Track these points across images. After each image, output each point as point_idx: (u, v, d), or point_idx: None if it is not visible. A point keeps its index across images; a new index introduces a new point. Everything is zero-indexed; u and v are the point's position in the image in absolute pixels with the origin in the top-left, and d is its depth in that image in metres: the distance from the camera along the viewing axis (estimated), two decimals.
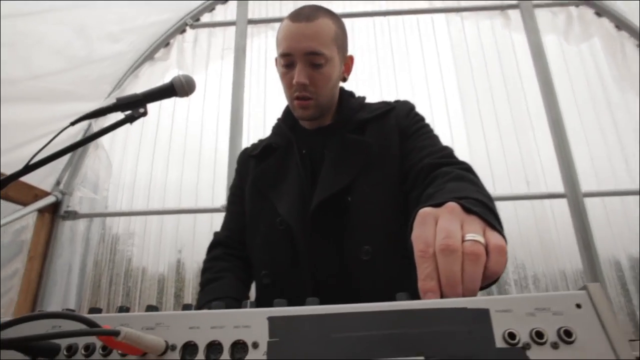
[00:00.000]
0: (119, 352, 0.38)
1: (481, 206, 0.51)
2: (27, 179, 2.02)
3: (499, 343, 0.33)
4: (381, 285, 0.83)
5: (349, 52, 1.04)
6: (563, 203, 2.09)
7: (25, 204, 2.03)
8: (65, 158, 2.29)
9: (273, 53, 2.68)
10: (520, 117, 2.27)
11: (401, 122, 0.97)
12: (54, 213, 2.24)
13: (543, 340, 0.33)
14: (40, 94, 1.86)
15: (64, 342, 0.40)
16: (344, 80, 1.04)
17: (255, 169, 1.04)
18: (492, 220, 0.48)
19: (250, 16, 2.49)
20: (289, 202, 0.93)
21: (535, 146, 2.21)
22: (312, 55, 0.90)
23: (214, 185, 2.24)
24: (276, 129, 1.10)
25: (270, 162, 1.02)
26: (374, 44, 2.47)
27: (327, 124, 1.01)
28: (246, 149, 1.15)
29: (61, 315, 0.33)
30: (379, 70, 2.41)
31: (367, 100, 1.07)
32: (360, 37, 2.49)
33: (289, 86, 0.96)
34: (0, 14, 1.52)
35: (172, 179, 2.31)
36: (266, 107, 2.38)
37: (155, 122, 2.41)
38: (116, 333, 0.32)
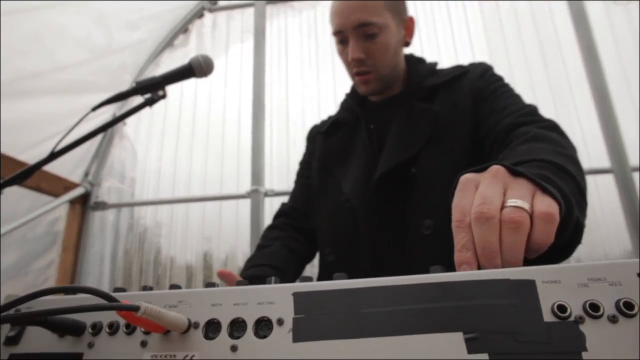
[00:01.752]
0: (143, 330, 0.37)
1: (541, 168, 0.46)
2: (57, 170, 2.08)
3: (547, 317, 0.30)
4: (443, 261, 0.80)
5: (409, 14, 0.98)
6: (609, 179, 1.94)
7: (56, 195, 2.09)
8: (92, 150, 2.34)
9: (293, 33, 2.63)
10: (559, 86, 2.12)
11: (475, 84, 0.91)
12: (84, 204, 2.31)
13: (599, 314, 0.29)
14: (64, 86, 1.90)
15: (89, 320, 0.39)
16: (407, 44, 0.99)
17: (321, 146, 1.03)
18: (548, 183, 0.42)
19: None
20: (353, 179, 0.91)
21: (576, 117, 2.06)
22: (362, 27, 0.87)
23: (238, 172, 2.24)
24: (344, 104, 1.08)
25: (336, 138, 1.01)
26: None
27: (396, 94, 0.97)
28: (315, 126, 1.14)
29: (79, 289, 0.32)
30: None
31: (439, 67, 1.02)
32: None
33: (347, 63, 0.94)
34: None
35: (197, 167, 2.33)
36: (288, 89, 2.34)
37: (178, 110, 2.42)
38: (136, 308, 0.31)
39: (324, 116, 1.17)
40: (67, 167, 2.16)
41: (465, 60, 2.21)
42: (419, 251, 0.81)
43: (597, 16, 2.16)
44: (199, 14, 2.53)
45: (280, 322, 0.34)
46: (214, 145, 2.34)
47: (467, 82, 0.92)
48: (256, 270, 0.87)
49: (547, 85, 2.14)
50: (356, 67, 0.91)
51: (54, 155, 0.92)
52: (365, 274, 0.38)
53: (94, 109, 0.98)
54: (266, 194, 2.11)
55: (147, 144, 2.44)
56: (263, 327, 0.34)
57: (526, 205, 0.38)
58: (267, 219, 2.03)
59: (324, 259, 0.95)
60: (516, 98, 0.88)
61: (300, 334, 0.33)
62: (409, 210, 0.83)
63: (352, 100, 1.03)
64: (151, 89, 0.96)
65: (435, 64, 1.02)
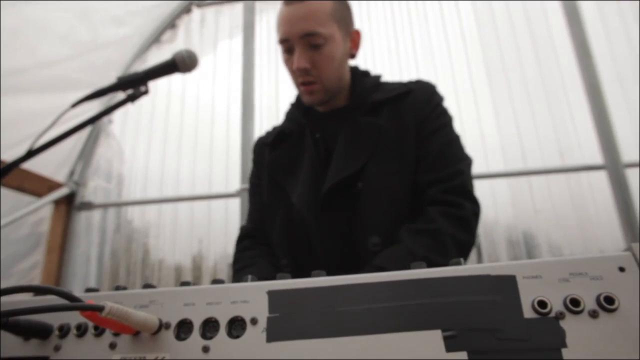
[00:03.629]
0: (112, 332, 0.35)
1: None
2: (40, 170, 2.03)
3: (528, 313, 0.29)
4: None
5: (355, 27, 0.98)
6: (602, 175, 1.94)
7: (40, 195, 2.05)
8: (77, 149, 2.30)
9: None
10: (552, 83, 2.13)
11: (420, 110, 0.91)
12: (69, 204, 2.26)
13: (579, 309, 0.29)
14: (47, 83, 1.85)
15: (56, 322, 0.38)
16: (352, 57, 0.98)
17: (269, 157, 1.01)
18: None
19: None
20: (302, 190, 0.90)
21: (569, 114, 2.06)
22: (308, 36, 0.86)
23: (227, 170, 2.22)
24: (289, 114, 1.06)
25: (283, 149, 0.99)
26: (389, 5, 2.37)
27: (340, 106, 0.97)
28: (261, 137, 1.12)
29: (46, 290, 0.31)
30: (395, 36, 2.32)
31: (384, 79, 1.02)
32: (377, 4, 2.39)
33: (292, 72, 0.93)
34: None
35: (185, 165, 2.30)
36: (278, 86, 2.32)
37: (165, 108, 2.39)
38: (100, 308, 0.29)
39: None
40: (51, 167, 2.11)
41: (459, 59, 2.23)
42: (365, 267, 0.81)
43: (590, 14, 2.17)
44: (186, 9, 2.50)
45: (254, 321, 0.33)
46: (203, 143, 2.31)
47: (411, 104, 0.92)
48: None
49: (541, 82, 2.15)
50: (301, 77, 0.90)
51: (31, 153, 0.89)
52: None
53: (74, 105, 0.96)
54: None
55: (134, 143, 2.40)
56: (237, 326, 0.33)
57: None
58: None
59: (281, 271, 0.95)
60: (453, 144, 0.91)
61: (274, 333, 0.31)
62: (356, 226, 0.83)
63: (297, 111, 1.02)
64: (133, 85, 0.94)
65: (379, 77, 1.01)
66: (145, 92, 0.94)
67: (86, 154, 2.35)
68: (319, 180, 0.89)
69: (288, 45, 0.89)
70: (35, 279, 2.03)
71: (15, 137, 1.80)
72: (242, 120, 2.18)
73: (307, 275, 0.90)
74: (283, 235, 0.93)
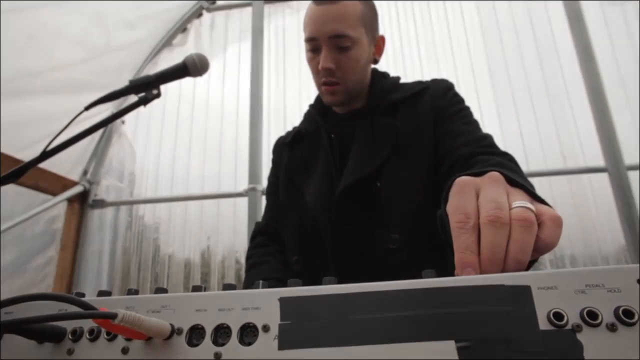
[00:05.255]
0: (124, 337, 0.36)
1: (526, 183, 0.46)
2: (55, 169, 2.07)
3: (543, 325, 0.28)
4: (409, 277, 0.79)
5: (380, 32, 0.99)
6: (604, 178, 1.95)
7: (54, 194, 2.08)
8: (91, 148, 2.34)
9: (291, 33, 2.64)
10: (555, 86, 2.12)
11: (437, 102, 0.91)
12: (83, 202, 2.30)
13: (597, 322, 0.28)
14: (62, 85, 1.89)
15: (69, 326, 0.38)
16: (375, 62, 0.99)
17: (287, 157, 1.03)
18: (538, 195, 0.43)
19: None
20: (316, 190, 0.91)
21: (571, 117, 2.06)
22: (337, 38, 0.86)
23: (236, 170, 2.24)
24: (307, 115, 1.07)
25: (300, 149, 1.00)
26: (395, 10, 2.37)
27: (358, 107, 0.97)
28: (280, 137, 1.14)
29: (55, 297, 0.31)
30: (400, 38, 2.31)
31: (401, 81, 1.02)
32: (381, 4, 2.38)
33: (315, 72, 0.93)
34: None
35: (195, 165, 2.32)
36: (286, 88, 2.33)
37: (176, 109, 2.42)
38: (112, 316, 0.29)
39: None
40: (65, 166, 2.15)
41: (462, 62, 2.22)
42: (385, 265, 0.80)
43: (593, 16, 2.16)
44: (197, 14, 2.52)
45: (265, 328, 0.32)
46: (212, 144, 2.33)
47: (428, 99, 0.92)
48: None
49: (544, 85, 2.14)
50: (325, 77, 0.90)
51: (46, 154, 0.91)
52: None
53: (87, 107, 0.97)
54: (263, 192, 2.10)
55: (145, 143, 2.44)
56: (248, 333, 0.33)
57: (533, 209, 0.38)
58: None
59: (291, 267, 0.95)
60: (474, 124, 0.88)
61: (286, 341, 0.31)
62: (374, 225, 0.83)
63: (315, 111, 1.03)
64: (145, 88, 0.94)
65: (397, 78, 1.02)
66: (158, 95, 0.95)
67: (99, 154, 2.39)
68: (334, 180, 0.89)
69: (315, 44, 0.89)
70: (50, 275, 2.07)
71: (31, 138, 1.84)
72: (251, 122, 2.19)
73: (319, 276, 0.89)
74: (295, 233, 0.94)
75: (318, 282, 0.37)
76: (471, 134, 0.83)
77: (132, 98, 0.96)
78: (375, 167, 0.84)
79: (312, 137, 0.99)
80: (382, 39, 0.98)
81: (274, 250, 0.99)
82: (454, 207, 0.40)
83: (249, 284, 0.90)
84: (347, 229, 0.85)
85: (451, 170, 0.78)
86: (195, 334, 0.34)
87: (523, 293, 0.30)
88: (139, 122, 2.44)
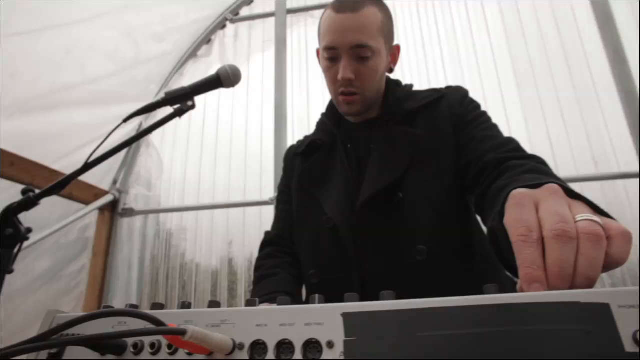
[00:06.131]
0: (186, 351, 0.36)
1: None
2: (87, 179, 2.13)
3: (630, 347, 0.27)
4: (437, 287, 0.78)
5: (395, 41, 0.98)
6: (638, 183, 1.87)
7: (87, 202, 2.15)
8: (120, 158, 2.40)
9: (314, 42, 2.65)
10: (584, 89, 2.06)
11: (454, 110, 0.90)
12: (113, 211, 2.36)
13: None
14: (94, 97, 1.95)
15: (130, 340, 0.39)
16: (391, 71, 0.98)
17: (300, 167, 1.02)
18: (601, 208, 0.41)
19: (288, 6, 2.46)
20: (335, 200, 0.90)
21: (603, 121, 1.99)
22: (358, 48, 0.85)
23: (261, 178, 2.25)
24: (320, 124, 1.06)
25: (314, 159, 0.99)
26: (417, 16, 2.36)
27: (373, 117, 0.96)
28: (292, 147, 1.13)
29: (129, 313, 0.31)
30: (423, 44, 2.29)
31: (415, 88, 1.01)
32: (402, 5, 2.37)
33: (333, 81, 0.92)
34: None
35: (220, 174, 2.35)
36: (309, 97, 2.35)
37: (202, 119, 2.46)
38: (182, 332, 0.30)
39: None
40: (96, 176, 2.21)
41: (487, 66, 2.19)
42: (413, 278, 0.79)
43: (623, 16, 2.08)
44: (221, 25, 2.57)
45: (330, 344, 0.32)
46: (237, 153, 2.36)
47: (445, 107, 0.90)
48: (273, 297, 0.84)
49: (572, 88, 2.08)
50: (343, 87, 0.89)
51: (88, 166, 0.94)
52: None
53: (126, 120, 1.00)
54: None
55: (172, 153, 2.49)
56: (312, 349, 0.33)
57: (600, 222, 0.36)
58: None
59: (308, 281, 0.93)
60: (495, 129, 0.86)
61: (354, 357, 0.31)
62: (399, 236, 0.81)
63: (329, 121, 1.01)
64: (180, 100, 0.96)
65: (411, 86, 1.00)
66: (192, 106, 0.97)
67: (128, 163, 2.45)
68: (353, 191, 0.88)
69: (334, 53, 0.88)
70: (83, 282, 2.12)
71: (65, 149, 1.91)
72: (275, 131, 2.21)
73: (337, 289, 0.89)
74: (312, 245, 0.93)
75: (339, 296, 0.36)
76: (495, 139, 0.81)
77: (162, 108, 0.99)
78: (397, 177, 0.83)
79: (327, 147, 0.98)
80: (398, 48, 0.97)
81: (283, 262, 0.98)
82: (514, 220, 0.39)
83: (258, 296, 0.88)
84: (371, 240, 0.83)
85: (479, 177, 0.76)
86: (256, 350, 0.34)
87: (602, 311, 0.29)
88: (166, 131, 2.50)
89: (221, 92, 0.97)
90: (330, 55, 0.89)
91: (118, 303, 2.12)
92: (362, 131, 0.95)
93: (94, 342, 0.33)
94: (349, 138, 0.96)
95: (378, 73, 0.90)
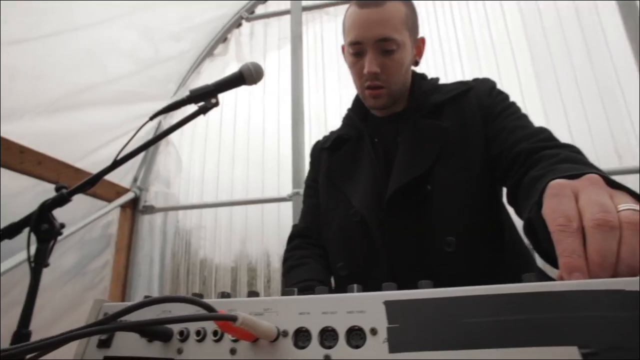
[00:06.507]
0: (231, 338, 0.37)
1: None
2: (109, 177, 2.18)
3: None
4: (466, 279, 0.77)
5: (420, 34, 0.99)
6: None
7: (109, 200, 2.20)
8: (140, 156, 2.44)
9: (329, 38, 2.64)
10: (607, 79, 2.00)
11: (483, 102, 0.90)
12: (134, 208, 2.41)
13: None
14: (114, 97, 1.99)
15: (176, 328, 0.40)
16: (416, 64, 0.99)
17: (327, 162, 1.03)
18: None
19: (304, 4, 2.46)
20: (362, 193, 0.91)
21: (626, 113, 1.94)
22: (383, 42, 0.87)
23: (279, 175, 2.27)
24: (346, 119, 1.08)
25: (341, 154, 1.01)
26: (432, 5, 2.34)
27: (399, 110, 0.97)
28: (318, 142, 1.15)
29: (184, 299, 0.33)
30: (439, 37, 2.27)
31: (441, 82, 1.01)
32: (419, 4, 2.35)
33: (359, 76, 0.93)
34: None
35: (238, 171, 2.38)
36: (326, 93, 2.35)
37: (219, 116, 2.49)
38: (234, 318, 0.31)
39: None
40: (118, 173, 2.26)
41: (505, 58, 2.15)
42: (442, 269, 0.79)
43: None
44: (237, 23, 2.59)
45: (373, 331, 0.33)
46: (255, 150, 2.38)
47: (473, 99, 0.91)
48: (307, 285, 0.86)
49: (593, 79, 2.03)
50: (369, 81, 0.90)
51: (117, 163, 0.97)
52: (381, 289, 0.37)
53: (152, 118, 1.02)
54: None
55: (190, 151, 2.52)
56: (355, 336, 0.34)
57: None
58: None
59: (336, 273, 0.94)
60: (525, 119, 0.86)
61: (397, 344, 0.32)
62: (427, 228, 0.82)
63: (355, 116, 1.03)
64: (204, 98, 0.98)
65: (437, 80, 1.00)
66: (216, 104, 0.99)
67: (148, 161, 2.49)
68: (380, 184, 0.89)
69: (359, 48, 0.89)
70: (107, 277, 2.18)
71: (88, 147, 1.96)
72: (292, 127, 2.22)
73: (367, 281, 0.89)
74: (340, 238, 0.94)
75: (368, 288, 0.37)
76: (526, 129, 0.81)
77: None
78: (425, 169, 0.84)
79: (354, 141, 1.00)
80: (423, 40, 0.98)
81: (312, 253, 1.00)
82: (552, 210, 0.39)
83: (290, 285, 0.90)
84: (399, 232, 0.84)
85: (511, 167, 0.76)
86: (300, 337, 0.35)
87: None
88: (184, 130, 2.52)
89: (238, 90, 0.98)
90: (356, 50, 0.90)
91: (140, 298, 2.16)
92: (389, 125, 0.96)
93: (150, 327, 0.35)
94: (376, 132, 0.97)
95: (403, 66, 0.90)
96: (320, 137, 1.17)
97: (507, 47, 2.20)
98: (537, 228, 0.47)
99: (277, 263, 2.17)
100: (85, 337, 0.30)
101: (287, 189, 2.18)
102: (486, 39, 2.23)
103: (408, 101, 0.97)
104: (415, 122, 0.91)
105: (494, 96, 0.91)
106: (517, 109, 0.89)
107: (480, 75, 1.01)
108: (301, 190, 2.10)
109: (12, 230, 0.88)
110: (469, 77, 1.05)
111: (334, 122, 2.26)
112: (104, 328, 0.29)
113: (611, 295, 0.30)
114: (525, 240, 0.84)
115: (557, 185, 0.41)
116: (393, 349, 0.32)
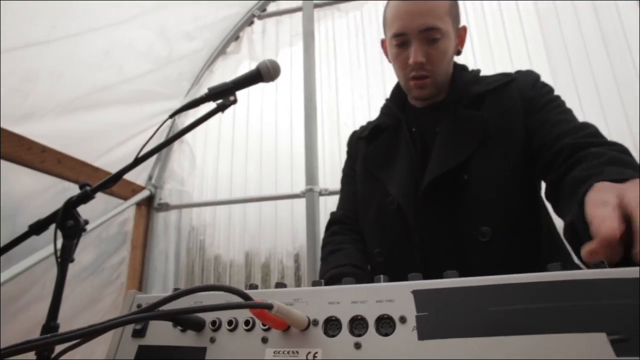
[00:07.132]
0: (262, 327, 0.39)
1: None
2: (125, 175, 2.22)
3: None
4: (500, 269, 0.77)
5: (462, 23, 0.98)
6: None
7: (125, 198, 2.24)
8: (155, 155, 2.48)
9: (341, 35, 2.62)
10: (625, 74, 1.98)
11: (525, 93, 0.89)
12: (149, 206, 2.45)
13: None
14: (130, 96, 2.02)
15: (208, 317, 0.42)
16: (459, 53, 0.99)
17: (364, 150, 1.04)
18: None
19: (315, 0, 2.47)
20: (399, 181, 0.92)
21: None
22: (428, 31, 0.87)
23: (292, 172, 2.28)
24: (385, 109, 1.09)
25: (379, 142, 1.02)
26: None
27: (439, 101, 0.97)
28: (355, 132, 1.16)
29: (222, 288, 0.34)
30: None
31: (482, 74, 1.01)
32: None
33: (403, 66, 0.93)
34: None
35: (251, 168, 2.40)
36: (338, 89, 2.36)
37: (232, 114, 2.51)
38: (269, 307, 0.32)
39: (374, 115, 1.16)
40: (134, 172, 2.28)
41: (520, 55, 2.13)
42: (476, 258, 0.79)
43: None
44: (249, 22, 2.60)
45: (402, 320, 0.34)
46: (268, 147, 2.40)
47: (515, 90, 0.90)
48: (343, 270, 0.88)
49: (611, 73, 1.99)
50: (415, 71, 0.90)
51: (138, 161, 0.99)
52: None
53: (172, 116, 1.05)
54: (320, 193, 2.13)
55: (204, 148, 2.55)
56: (384, 324, 0.35)
57: None
58: (322, 217, 2.06)
59: (373, 259, 0.96)
60: (570, 113, 0.85)
61: (426, 331, 0.33)
62: (463, 217, 0.82)
63: (394, 105, 1.03)
64: (222, 95, 1.00)
65: (478, 71, 1.00)
66: (234, 101, 1.00)
67: (162, 159, 2.53)
68: (417, 173, 0.89)
69: (403, 39, 0.89)
70: (123, 273, 2.22)
71: (105, 146, 1.99)
72: (305, 124, 2.23)
73: (402, 268, 0.89)
74: (377, 225, 0.95)
75: (404, 274, 0.38)
76: (571, 123, 0.80)
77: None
78: (462, 159, 0.84)
79: (392, 130, 1.00)
80: (465, 29, 0.98)
81: (350, 238, 1.01)
82: (593, 199, 0.39)
83: (327, 269, 0.91)
84: (435, 221, 0.84)
85: (554, 161, 0.75)
86: (330, 325, 0.37)
87: None
88: (197, 128, 2.55)
89: (250, 87, 0.99)
90: (400, 42, 0.90)
91: (156, 294, 2.20)
92: (428, 114, 0.96)
93: (184, 316, 0.36)
94: (414, 121, 0.97)
95: (448, 54, 0.91)
96: (333, 133, 1.19)
97: (521, 40, 2.17)
98: (580, 231, 0.47)
99: (291, 259, 2.19)
100: (127, 324, 0.32)
101: (300, 185, 2.20)
102: (500, 33, 2.21)
103: (448, 91, 0.97)
104: (455, 112, 0.91)
105: (538, 88, 0.91)
106: (562, 103, 0.88)
107: (494, 70, 1.01)
108: (315, 187, 2.12)
109: (39, 227, 0.91)
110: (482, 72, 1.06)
111: (347, 118, 2.27)
112: (146, 316, 0.31)
113: (631, 285, 0.30)
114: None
115: (600, 185, 0.41)
116: (422, 336, 0.33)
